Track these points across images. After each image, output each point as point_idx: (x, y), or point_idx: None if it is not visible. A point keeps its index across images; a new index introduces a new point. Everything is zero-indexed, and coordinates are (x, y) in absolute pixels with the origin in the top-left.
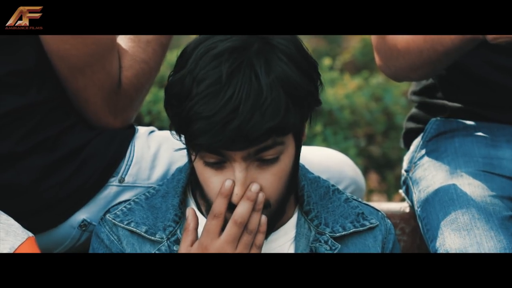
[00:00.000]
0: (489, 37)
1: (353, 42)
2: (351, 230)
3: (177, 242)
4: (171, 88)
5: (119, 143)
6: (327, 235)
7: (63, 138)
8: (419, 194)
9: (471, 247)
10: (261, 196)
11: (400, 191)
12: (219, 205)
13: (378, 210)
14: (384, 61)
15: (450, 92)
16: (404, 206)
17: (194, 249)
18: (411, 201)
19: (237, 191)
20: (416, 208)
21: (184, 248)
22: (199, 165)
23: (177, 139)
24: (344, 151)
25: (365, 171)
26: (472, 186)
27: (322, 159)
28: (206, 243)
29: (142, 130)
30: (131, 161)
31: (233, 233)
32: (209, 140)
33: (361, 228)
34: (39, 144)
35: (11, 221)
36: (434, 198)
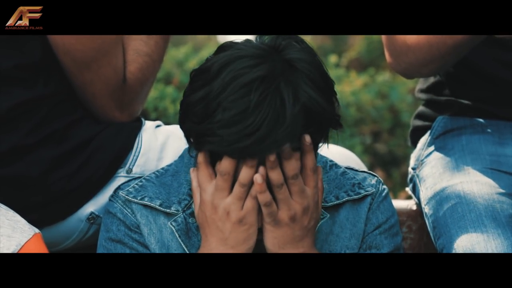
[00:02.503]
0: None
1: (358, 40)
2: (344, 199)
3: (193, 215)
4: (191, 105)
5: (126, 135)
6: None
7: (71, 131)
8: (426, 192)
9: (478, 245)
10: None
11: (407, 188)
12: (226, 165)
13: (374, 175)
14: (394, 58)
15: (457, 89)
16: (411, 204)
17: (208, 208)
18: (418, 198)
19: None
20: (423, 205)
21: (204, 184)
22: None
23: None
24: (350, 148)
25: (371, 168)
26: (479, 184)
27: (328, 156)
28: (216, 202)
29: (149, 124)
30: (139, 152)
31: (238, 193)
32: (218, 150)
33: (355, 196)
34: (47, 137)
35: (18, 217)
36: (441, 196)
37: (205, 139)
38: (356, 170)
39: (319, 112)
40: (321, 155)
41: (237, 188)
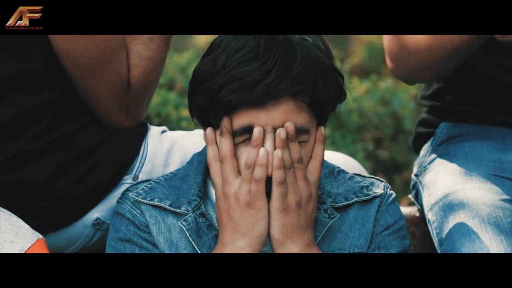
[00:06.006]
0: (498, 36)
1: (360, 46)
2: (354, 200)
3: (203, 215)
4: (201, 69)
5: (132, 141)
6: (328, 204)
7: (77, 137)
8: (429, 198)
9: (481, 251)
10: (257, 132)
11: (410, 195)
12: (226, 147)
13: (381, 180)
14: (395, 63)
15: (460, 95)
16: (414, 210)
17: (221, 199)
18: (421, 205)
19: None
20: (426, 212)
21: (216, 179)
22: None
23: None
24: (352, 154)
25: (372, 175)
26: (482, 190)
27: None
28: (226, 190)
29: (154, 129)
30: (145, 158)
31: (245, 175)
32: (240, 97)
33: (364, 198)
34: (53, 143)
35: (21, 222)
36: (444, 202)
37: (226, 90)
38: (364, 176)
39: (325, 67)
40: (328, 162)
41: (244, 171)
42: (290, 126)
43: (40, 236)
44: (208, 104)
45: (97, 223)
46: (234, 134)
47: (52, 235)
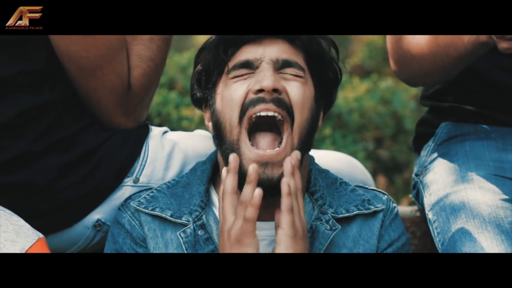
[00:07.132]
0: (501, 46)
1: (361, 46)
2: (354, 212)
3: (203, 227)
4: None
5: (133, 143)
6: (329, 215)
7: (78, 138)
8: (429, 198)
9: (482, 251)
10: (252, 168)
11: (410, 195)
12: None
13: (384, 193)
14: (398, 66)
15: (460, 95)
16: (414, 210)
17: (220, 236)
18: (422, 205)
19: (266, 82)
20: (426, 211)
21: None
22: (226, 85)
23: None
24: (353, 154)
25: (373, 175)
26: (483, 190)
27: (332, 163)
28: (222, 227)
29: (155, 131)
30: (145, 161)
31: (238, 211)
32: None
33: (365, 211)
34: (54, 144)
35: (22, 222)
36: (445, 202)
37: (228, 36)
38: (366, 188)
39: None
40: (330, 172)
41: (238, 207)
42: (298, 154)
43: (41, 235)
44: (211, 55)
45: (98, 224)
46: (232, 68)
47: (53, 236)
